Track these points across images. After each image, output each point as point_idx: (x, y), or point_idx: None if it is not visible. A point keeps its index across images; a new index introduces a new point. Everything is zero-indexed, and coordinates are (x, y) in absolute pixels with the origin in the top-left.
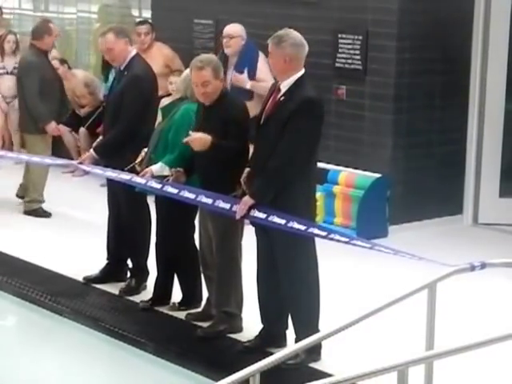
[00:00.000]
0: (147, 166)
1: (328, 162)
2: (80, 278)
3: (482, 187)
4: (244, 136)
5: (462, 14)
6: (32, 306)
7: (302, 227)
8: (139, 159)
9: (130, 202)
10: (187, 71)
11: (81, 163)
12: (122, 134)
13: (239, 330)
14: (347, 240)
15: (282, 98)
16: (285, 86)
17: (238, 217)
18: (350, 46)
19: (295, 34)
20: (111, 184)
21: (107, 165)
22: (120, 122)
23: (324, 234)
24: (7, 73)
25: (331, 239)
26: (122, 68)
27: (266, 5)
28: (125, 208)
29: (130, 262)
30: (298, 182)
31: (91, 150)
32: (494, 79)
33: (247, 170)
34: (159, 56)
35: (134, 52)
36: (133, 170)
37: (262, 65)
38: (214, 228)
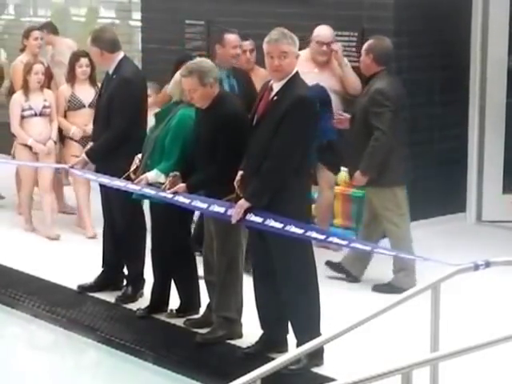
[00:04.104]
0: (143, 173)
1: None
2: (75, 287)
3: (484, 184)
4: (233, 144)
5: (460, 8)
6: (27, 316)
7: (300, 231)
8: (134, 167)
9: (123, 209)
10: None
11: (72, 167)
12: (114, 138)
13: (239, 335)
14: (346, 243)
15: (275, 97)
16: (278, 85)
17: (233, 221)
18: (345, 44)
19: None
20: (104, 191)
21: (99, 170)
22: (112, 126)
23: (322, 237)
24: (35, 114)
25: (330, 242)
26: (110, 72)
27: (258, 4)
28: (119, 215)
29: (126, 270)
30: (294, 182)
31: (83, 154)
32: (495, 73)
33: (240, 172)
34: (260, 80)
35: (121, 55)
36: (127, 179)
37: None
38: (216, 230)
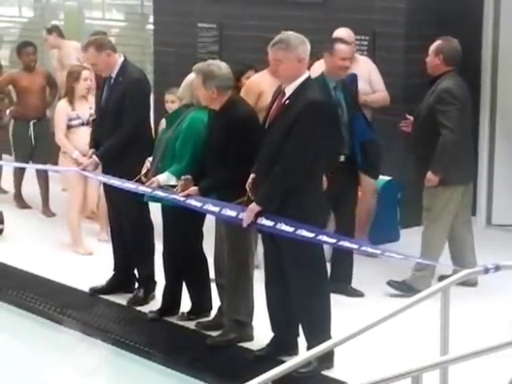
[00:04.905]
0: (154, 176)
1: None
2: (87, 290)
3: (494, 188)
4: (245, 147)
5: (471, 12)
6: (39, 318)
7: (311, 234)
8: (144, 170)
9: (129, 211)
10: (190, 76)
11: (84, 169)
12: (125, 138)
13: (250, 338)
14: (357, 247)
15: (287, 101)
16: (290, 89)
17: (244, 224)
18: (357, 47)
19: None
20: (109, 194)
21: (108, 171)
22: (123, 124)
23: (333, 241)
24: (83, 124)
25: (341, 246)
26: (114, 75)
27: (270, 7)
28: (125, 217)
29: (136, 272)
30: (306, 186)
31: (93, 156)
32: (506, 77)
33: (252, 175)
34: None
35: (122, 58)
36: (139, 182)
37: (377, 74)
38: (227, 233)
